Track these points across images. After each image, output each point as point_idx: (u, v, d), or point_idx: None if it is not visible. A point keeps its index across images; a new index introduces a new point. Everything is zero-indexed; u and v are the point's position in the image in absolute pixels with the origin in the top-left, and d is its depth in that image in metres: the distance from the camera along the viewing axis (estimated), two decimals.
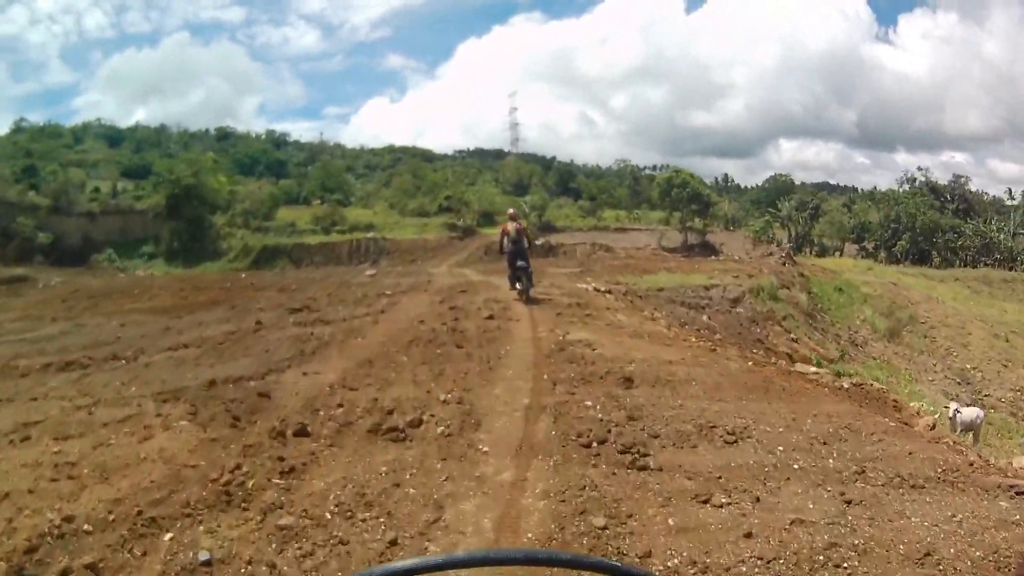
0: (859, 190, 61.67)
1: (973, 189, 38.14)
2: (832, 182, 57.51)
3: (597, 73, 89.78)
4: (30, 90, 71.85)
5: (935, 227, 33.40)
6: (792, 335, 15.66)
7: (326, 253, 31.43)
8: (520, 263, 10.45)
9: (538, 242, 37.83)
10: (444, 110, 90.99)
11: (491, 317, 9.33)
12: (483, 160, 67.25)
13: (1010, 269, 30.48)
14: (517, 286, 10.61)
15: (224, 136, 68.15)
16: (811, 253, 35.31)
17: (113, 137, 64.03)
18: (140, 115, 76.01)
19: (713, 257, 32.13)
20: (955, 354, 18.45)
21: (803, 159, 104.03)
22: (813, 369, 10.51)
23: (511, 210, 11.72)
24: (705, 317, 14.15)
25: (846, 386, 7.96)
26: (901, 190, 36.84)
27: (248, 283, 18.15)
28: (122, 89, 75.61)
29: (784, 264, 22.26)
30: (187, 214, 33.34)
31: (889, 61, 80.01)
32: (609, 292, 13.13)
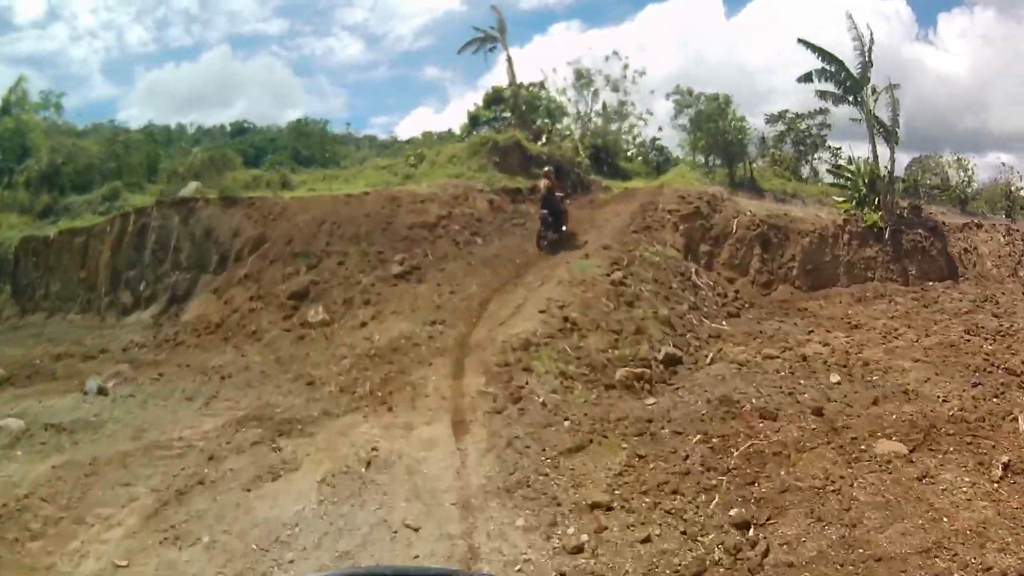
0: None
1: None
2: None
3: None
4: (71, 104, 67.64)
5: None
6: None
7: (72, 258, 13.09)
8: (544, 211, 11.67)
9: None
10: None
11: None
12: None
13: None
14: (549, 234, 11.61)
15: (240, 131, 55.37)
16: None
17: None
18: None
19: None
20: None
21: None
22: None
23: (547, 168, 12.48)
24: None
25: None
26: None
27: None
28: (161, 102, 69.30)
29: None
30: None
31: (931, 61, 62.19)
32: None
